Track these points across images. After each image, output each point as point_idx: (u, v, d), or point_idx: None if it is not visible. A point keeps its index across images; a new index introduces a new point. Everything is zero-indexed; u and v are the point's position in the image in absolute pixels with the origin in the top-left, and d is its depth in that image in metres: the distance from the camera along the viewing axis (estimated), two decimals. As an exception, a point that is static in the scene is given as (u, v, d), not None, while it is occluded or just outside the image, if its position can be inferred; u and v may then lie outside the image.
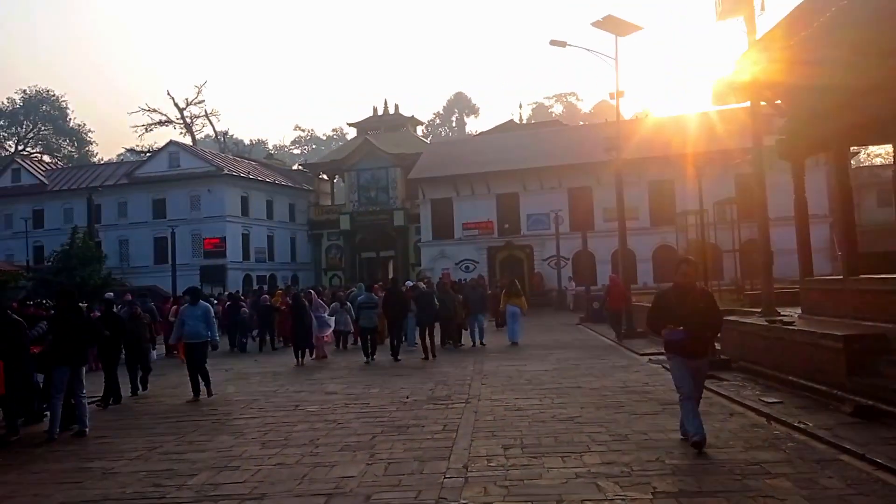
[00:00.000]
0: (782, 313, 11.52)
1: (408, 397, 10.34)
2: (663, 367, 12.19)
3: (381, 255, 47.94)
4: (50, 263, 23.23)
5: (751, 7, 11.03)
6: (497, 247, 40.59)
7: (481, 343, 17.88)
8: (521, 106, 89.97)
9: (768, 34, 10.10)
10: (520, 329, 18.45)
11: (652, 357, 13.64)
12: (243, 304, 24.72)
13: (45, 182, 47.45)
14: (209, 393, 11.50)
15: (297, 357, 16.20)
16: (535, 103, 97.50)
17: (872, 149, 56.09)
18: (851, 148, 26.36)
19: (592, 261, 37.41)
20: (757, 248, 29.33)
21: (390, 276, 44.41)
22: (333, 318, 18.32)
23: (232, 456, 7.21)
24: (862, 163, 52.11)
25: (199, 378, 11.53)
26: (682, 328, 6.22)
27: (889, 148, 55.12)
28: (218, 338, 11.80)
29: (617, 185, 22.43)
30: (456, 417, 8.59)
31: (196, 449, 7.69)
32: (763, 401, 8.33)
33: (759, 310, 11.70)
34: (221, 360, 18.12)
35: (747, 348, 10.45)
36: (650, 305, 6.84)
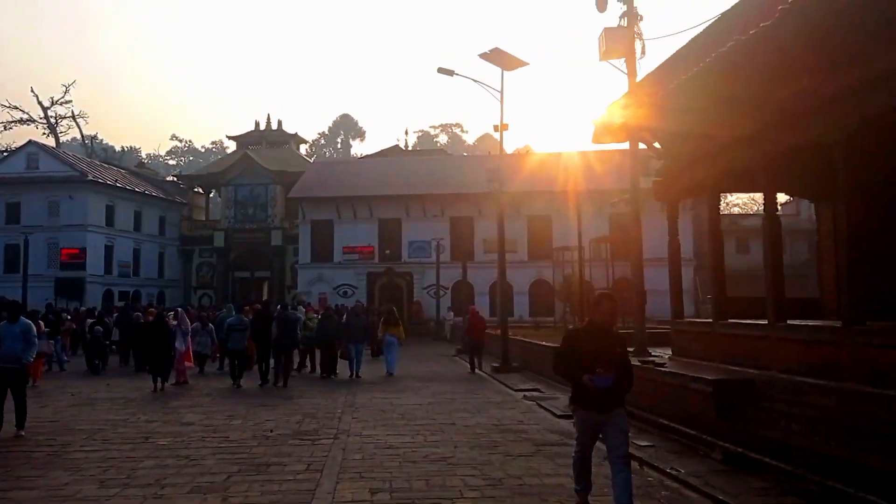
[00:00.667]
0: (653, 353, 11.74)
1: (271, 431, 9.67)
2: (538, 404, 12.13)
3: (256, 276, 46.26)
4: None
5: (632, 50, 11.34)
6: (377, 273, 40.09)
7: (357, 375, 17.15)
8: (406, 132, 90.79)
9: (647, 77, 10.36)
10: (395, 360, 18.15)
11: (526, 393, 13.58)
12: (106, 321, 23.10)
13: None
14: (21, 427, 9.54)
15: (154, 382, 15.03)
16: (421, 131, 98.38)
17: (731, 198, 60.32)
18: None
19: (472, 291, 37.70)
20: (628, 286, 30.37)
21: (264, 297, 42.97)
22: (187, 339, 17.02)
23: (63, 496, 6.40)
24: (721, 212, 55.69)
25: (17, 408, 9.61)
26: (611, 373, 5.23)
27: (746, 197, 58.98)
28: (31, 359, 9.79)
29: (498, 218, 22.60)
30: (322, 455, 8.04)
31: (23, 486, 6.78)
32: (635, 444, 8.30)
33: (631, 349, 11.86)
34: (69, 382, 16.61)
35: (620, 388, 10.49)
36: (558, 346, 5.86)
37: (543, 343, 17.49)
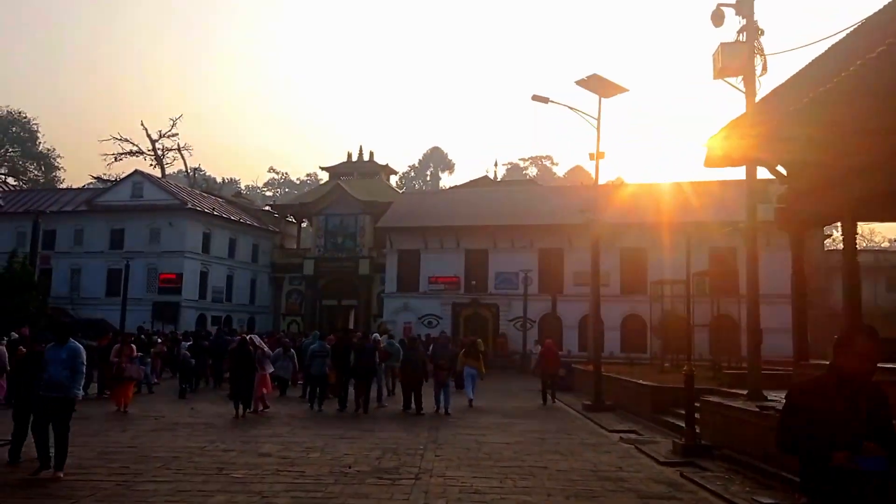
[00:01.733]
0: (769, 397, 10.54)
1: (350, 467, 9.07)
2: (637, 448, 11.07)
3: (343, 304, 46.50)
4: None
5: (751, 66, 10.34)
6: (462, 304, 39.48)
7: (446, 412, 15.48)
8: (496, 164, 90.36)
9: (770, 95, 9.36)
10: (473, 390, 17.54)
11: (623, 435, 12.53)
12: (201, 344, 23.46)
13: (0, 203, 45.52)
14: (59, 468, 8.15)
15: (236, 408, 14.79)
16: (510, 163, 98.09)
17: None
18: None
19: (560, 325, 36.58)
20: (728, 324, 28.47)
21: (351, 325, 43.05)
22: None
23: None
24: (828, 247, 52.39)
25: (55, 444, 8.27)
26: (883, 452, 3.31)
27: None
28: (80, 393, 8.60)
29: (592, 250, 21.70)
30: (402, 498, 7.35)
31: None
32: (756, 500, 7.24)
33: (743, 392, 10.70)
34: (155, 406, 16.62)
35: (734, 435, 9.39)
36: (783, 407, 3.77)
37: (640, 381, 16.36)
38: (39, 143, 75.97)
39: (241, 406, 14.75)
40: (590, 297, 34.75)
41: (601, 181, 50.49)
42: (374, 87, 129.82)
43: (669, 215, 35.48)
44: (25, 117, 74.69)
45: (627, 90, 25.32)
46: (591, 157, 26.56)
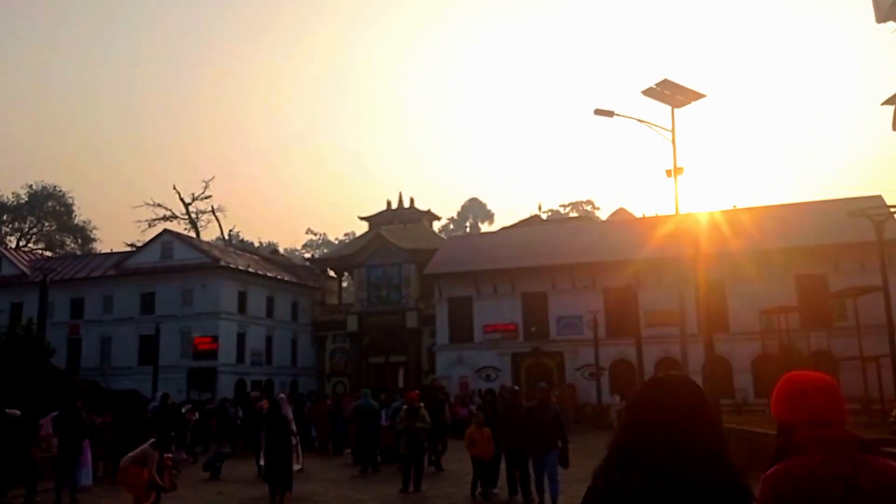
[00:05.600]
0: None
1: None
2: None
3: (391, 361, 43.11)
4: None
5: None
6: (523, 353, 35.79)
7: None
8: (540, 208, 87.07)
9: None
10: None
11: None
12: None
13: (27, 273, 43.52)
14: None
15: (272, 493, 11.45)
16: (551, 210, 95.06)
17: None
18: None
19: (633, 371, 32.74)
20: (831, 359, 24.26)
21: (400, 383, 39.61)
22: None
23: None
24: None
25: None
26: None
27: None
28: None
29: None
30: None
31: None
32: None
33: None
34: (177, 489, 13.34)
35: None
36: None
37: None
38: (75, 215, 75.30)
39: (278, 489, 11.43)
40: (670, 339, 31.49)
41: (662, 210, 46.39)
42: (409, 138, 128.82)
43: (745, 243, 32.04)
44: (61, 191, 74.20)
45: (704, 96, 22.34)
46: (668, 174, 23.79)
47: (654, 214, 43.18)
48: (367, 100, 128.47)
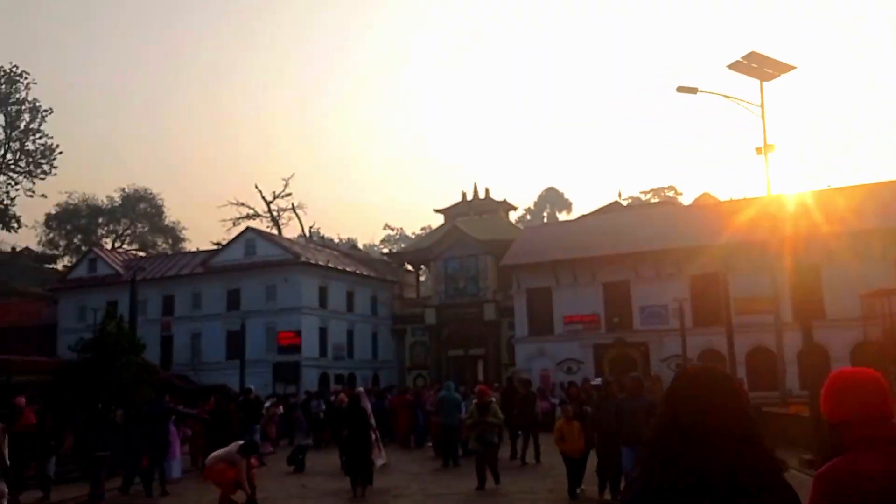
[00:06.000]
0: None
1: None
2: None
3: (470, 353, 42.89)
4: (76, 354, 19.55)
5: None
6: (605, 344, 34.87)
7: None
8: (619, 195, 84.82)
9: None
10: None
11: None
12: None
13: (121, 272, 45.40)
14: None
15: (353, 486, 11.33)
16: (631, 198, 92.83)
17: None
18: None
19: (723, 361, 31.40)
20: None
21: (479, 376, 39.33)
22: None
23: None
24: None
25: None
26: None
27: None
28: None
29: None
30: None
31: None
32: None
33: None
34: (262, 482, 13.42)
35: None
36: None
37: None
38: (165, 216, 78.31)
39: (359, 482, 11.31)
40: (761, 328, 30.15)
41: (736, 195, 44.58)
42: (484, 129, 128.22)
43: (840, 225, 30.28)
44: (151, 194, 77.20)
45: (794, 67, 21.34)
46: (758, 151, 23.13)
47: (741, 198, 41.41)
48: (441, 92, 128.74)
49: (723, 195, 52.80)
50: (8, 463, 9.76)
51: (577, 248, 35.92)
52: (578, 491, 11.25)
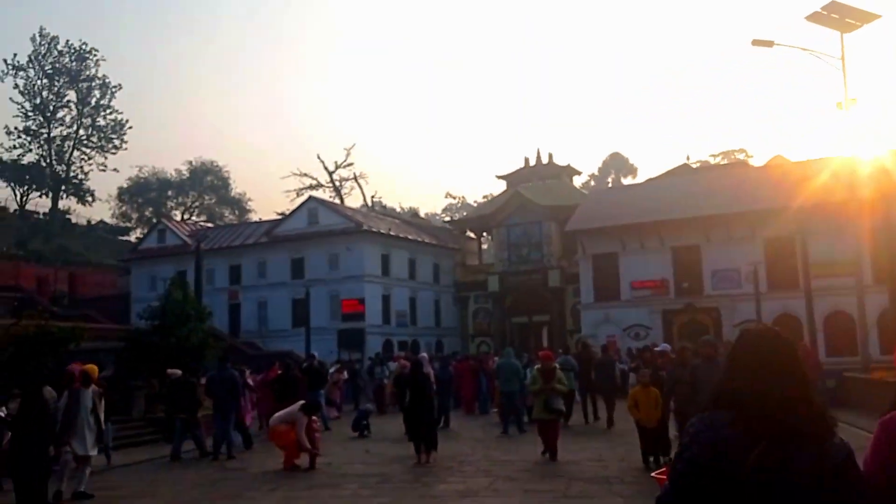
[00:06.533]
0: None
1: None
2: None
3: (534, 320, 42.40)
4: (144, 322, 19.95)
5: None
6: (675, 310, 33.85)
7: None
8: (688, 158, 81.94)
9: None
10: None
11: None
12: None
13: (189, 242, 46.43)
14: None
15: (417, 451, 11.13)
16: (699, 162, 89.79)
17: None
18: None
19: (800, 326, 30.07)
20: None
21: (544, 343, 38.85)
22: None
23: None
24: None
25: None
26: None
27: None
28: None
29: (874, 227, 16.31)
30: None
31: None
32: None
33: None
34: (329, 447, 13.38)
35: None
36: None
37: None
38: (232, 188, 79.84)
39: (423, 448, 11.10)
40: (840, 292, 28.73)
41: (813, 155, 42.32)
42: (547, 93, 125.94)
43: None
44: (218, 167, 78.70)
45: (879, 16, 19.85)
46: (839, 106, 21.80)
47: (816, 159, 39.40)
48: (505, 57, 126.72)
49: (796, 159, 50.39)
50: (103, 426, 10.16)
51: (645, 212, 34.80)
52: (652, 461, 10.64)
